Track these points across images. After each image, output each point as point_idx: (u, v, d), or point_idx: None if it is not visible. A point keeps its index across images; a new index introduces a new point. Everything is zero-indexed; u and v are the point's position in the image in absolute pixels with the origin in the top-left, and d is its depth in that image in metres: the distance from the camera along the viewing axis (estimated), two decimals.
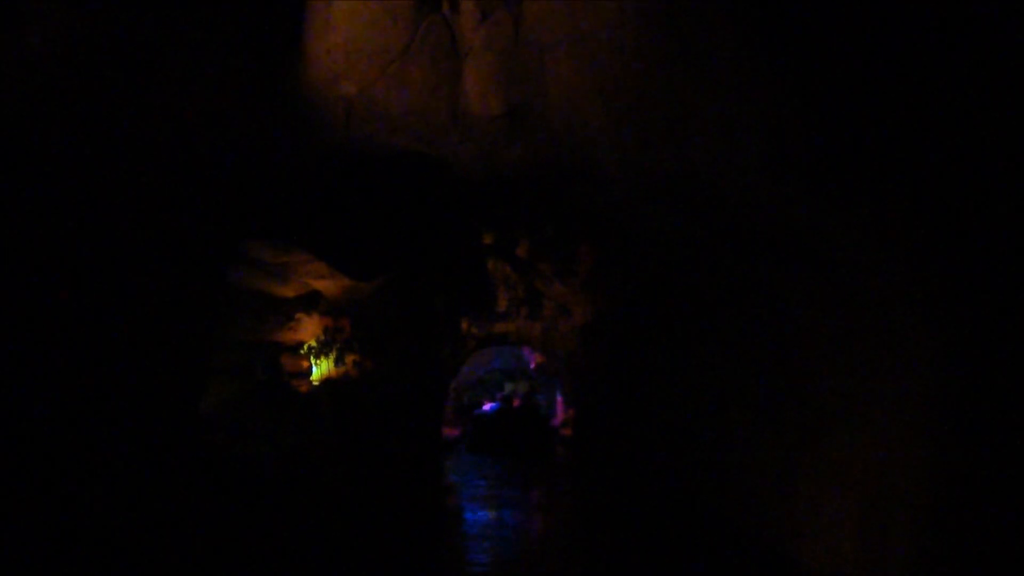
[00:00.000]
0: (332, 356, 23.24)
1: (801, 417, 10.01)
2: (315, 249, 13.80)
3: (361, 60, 8.27)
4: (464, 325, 27.21)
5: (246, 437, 16.16)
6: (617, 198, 9.62)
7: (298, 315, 18.82)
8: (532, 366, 40.09)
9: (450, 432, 32.51)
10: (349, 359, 23.94)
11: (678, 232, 11.22)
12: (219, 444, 14.82)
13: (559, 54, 7.61)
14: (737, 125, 6.89)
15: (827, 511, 9.41)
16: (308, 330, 19.34)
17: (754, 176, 7.27)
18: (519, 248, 25.10)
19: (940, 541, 7.24)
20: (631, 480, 19.59)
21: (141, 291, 9.65)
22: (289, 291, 18.51)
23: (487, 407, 38.89)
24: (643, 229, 16.73)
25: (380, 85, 8.38)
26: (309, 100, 8.79)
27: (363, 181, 11.39)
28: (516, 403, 36.04)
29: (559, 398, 39.18)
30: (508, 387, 49.37)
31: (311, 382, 18.56)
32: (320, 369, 23.42)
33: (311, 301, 19.32)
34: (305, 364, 18.81)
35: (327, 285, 18.91)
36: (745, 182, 7.45)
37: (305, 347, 22.54)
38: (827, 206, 7.23)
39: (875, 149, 6.43)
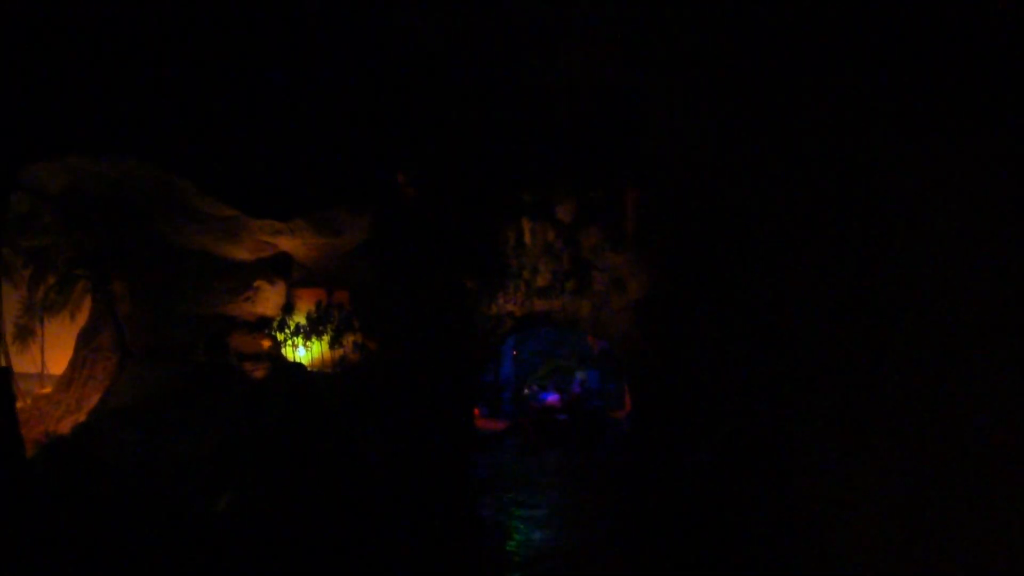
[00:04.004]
0: (326, 336, 19.40)
1: (942, 449, 5.42)
2: (161, 160, 9.75)
3: None
4: (499, 301, 22.81)
5: (159, 436, 12.42)
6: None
7: (258, 283, 14.93)
8: (596, 351, 35.63)
9: (492, 426, 28.49)
10: (348, 340, 20.06)
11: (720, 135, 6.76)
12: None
13: None
14: None
15: None
16: (271, 302, 15.42)
17: None
18: (561, 210, 20.79)
19: None
20: (686, 502, 14.99)
21: None
22: (243, 252, 14.65)
23: (544, 396, 35.01)
24: (686, 150, 12.23)
25: None
26: None
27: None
28: (569, 395, 32.05)
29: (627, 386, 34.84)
30: (579, 376, 45.38)
31: (267, 367, 14.62)
32: (311, 352, 19.62)
33: (278, 266, 15.40)
34: (265, 344, 14.91)
35: (292, 244, 14.97)
36: None
37: (292, 325, 18.74)
38: None
39: None
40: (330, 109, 11.34)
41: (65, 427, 14.08)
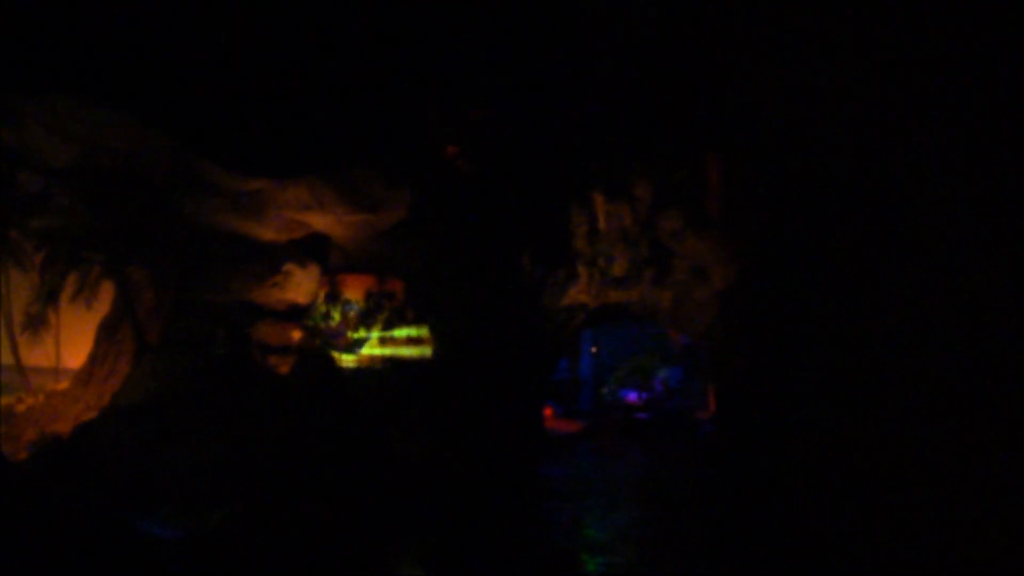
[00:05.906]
0: (377, 328, 17.71)
1: None
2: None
3: None
4: (571, 291, 20.68)
5: (165, 438, 10.85)
6: None
7: (288, 266, 13.26)
8: (679, 347, 33.19)
9: (567, 427, 26.45)
10: (401, 332, 18.31)
11: None
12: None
13: None
14: None
15: None
16: (303, 288, 13.68)
17: None
18: (639, 188, 18.62)
19: None
20: (779, 526, 12.65)
21: None
22: (271, 232, 13.00)
23: (623, 394, 32.92)
24: (785, 104, 9.93)
25: None
26: None
27: None
28: (650, 393, 29.90)
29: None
30: (661, 374, 43.11)
31: (293, 361, 12.89)
32: (365, 346, 17.93)
33: (312, 248, 13.70)
34: (296, 335, 13.22)
35: (325, 223, 13.23)
36: None
37: (336, 315, 17.12)
38: None
39: None
40: (348, 57, 9.53)
41: None
